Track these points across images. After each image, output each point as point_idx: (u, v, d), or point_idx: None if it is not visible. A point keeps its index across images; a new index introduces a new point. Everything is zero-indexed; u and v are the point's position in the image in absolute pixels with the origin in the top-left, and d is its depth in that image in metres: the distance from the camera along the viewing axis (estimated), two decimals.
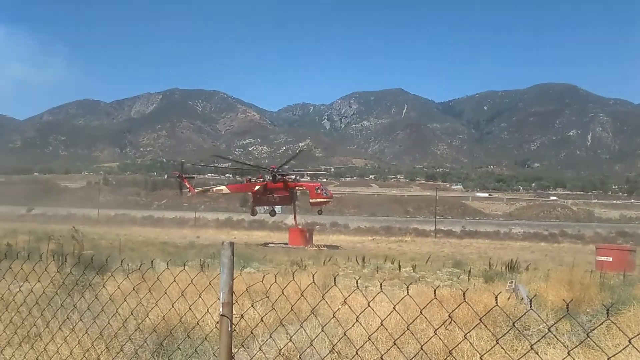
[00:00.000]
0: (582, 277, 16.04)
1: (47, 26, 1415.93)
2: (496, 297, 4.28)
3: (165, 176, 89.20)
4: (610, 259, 32.16)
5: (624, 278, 21.61)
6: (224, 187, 64.16)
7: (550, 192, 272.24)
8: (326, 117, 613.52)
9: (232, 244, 4.44)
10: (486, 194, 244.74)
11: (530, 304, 4.12)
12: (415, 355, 5.08)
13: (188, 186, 63.34)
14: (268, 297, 6.05)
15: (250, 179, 61.88)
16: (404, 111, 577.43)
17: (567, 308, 3.55)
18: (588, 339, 4.53)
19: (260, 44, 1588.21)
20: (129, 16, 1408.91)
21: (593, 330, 4.87)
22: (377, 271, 23.54)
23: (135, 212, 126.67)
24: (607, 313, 3.52)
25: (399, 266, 25.13)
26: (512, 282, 13.81)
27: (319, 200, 57.50)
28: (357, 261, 28.49)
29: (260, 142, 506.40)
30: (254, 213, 62.37)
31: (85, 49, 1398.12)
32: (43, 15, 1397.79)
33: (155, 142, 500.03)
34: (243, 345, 6.34)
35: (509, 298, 11.33)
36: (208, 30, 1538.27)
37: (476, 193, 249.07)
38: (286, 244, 55.46)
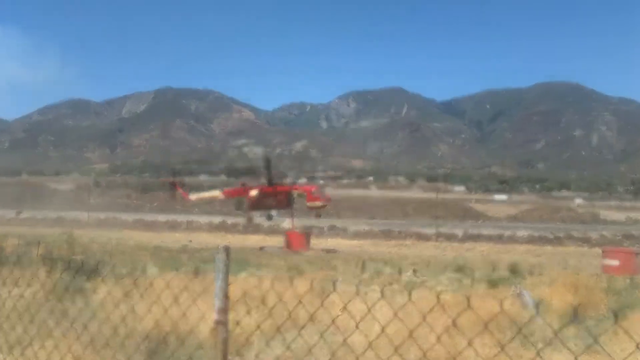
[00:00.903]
0: (588, 281, 15.89)
1: (36, 25, 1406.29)
2: (501, 302, 4.06)
3: (159, 177, 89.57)
4: (617, 263, 32.00)
5: (631, 281, 21.50)
6: (218, 192, 63.82)
7: (554, 193, 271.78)
8: (324, 117, 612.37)
9: (227, 248, 4.41)
10: (504, 197, 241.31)
11: (537, 309, 3.93)
12: None
13: (181, 192, 63.08)
14: (265, 303, 5.87)
15: (244, 183, 61.45)
16: (404, 110, 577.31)
17: (574, 313, 3.33)
18: (594, 344, 4.34)
19: (255, 42, 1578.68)
20: (119, 13, 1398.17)
21: (601, 335, 4.69)
22: (377, 276, 23.39)
23: (127, 215, 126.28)
24: (616, 318, 3.30)
25: (400, 271, 25.00)
26: (516, 287, 13.62)
27: (316, 203, 57.17)
28: (356, 266, 28.36)
29: (255, 142, 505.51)
30: (250, 220, 61.75)
31: (74, 47, 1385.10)
32: (32, 14, 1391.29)
33: (147, 143, 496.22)
34: (239, 354, 6.15)
35: (512, 304, 11.16)
36: (201, 27, 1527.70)
37: (495, 195, 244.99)
38: (282, 247, 55.16)
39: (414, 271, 25.17)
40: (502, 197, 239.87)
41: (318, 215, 60.37)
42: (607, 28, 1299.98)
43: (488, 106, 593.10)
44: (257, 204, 58.70)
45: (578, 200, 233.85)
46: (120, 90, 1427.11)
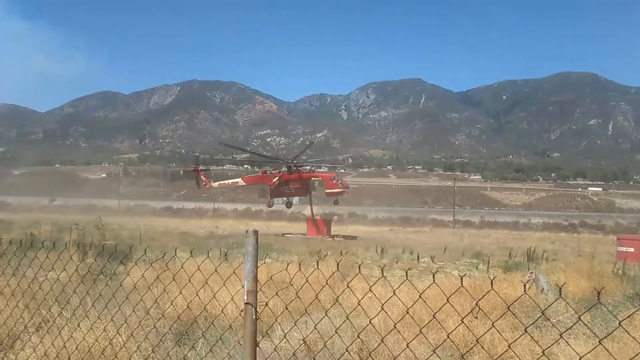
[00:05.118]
0: (603, 268, 15.91)
1: (67, 20, 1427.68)
2: (525, 284, 4.26)
3: (181, 172, 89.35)
4: (632, 250, 31.70)
5: None
6: (239, 180, 64.18)
7: (571, 182, 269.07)
8: (344, 108, 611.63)
9: (256, 232, 4.46)
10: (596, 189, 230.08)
11: (560, 292, 4.09)
12: (441, 344, 5.08)
13: (204, 179, 63.41)
14: (292, 284, 6.06)
15: (266, 171, 61.84)
16: (422, 101, 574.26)
17: (598, 297, 3.51)
18: (615, 328, 4.49)
19: (277, 35, 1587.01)
20: (147, 8, 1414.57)
21: (624, 320, 4.79)
22: (396, 261, 23.51)
23: (155, 203, 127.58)
24: None
25: (418, 257, 25.08)
26: (532, 272, 13.72)
27: (334, 190, 57.23)
28: (376, 251, 28.47)
29: (277, 132, 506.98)
30: (270, 205, 62.11)
31: (104, 41, 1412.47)
32: (63, 9, 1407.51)
33: (173, 134, 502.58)
34: (267, 334, 6.37)
35: (529, 288, 11.29)
36: (225, 21, 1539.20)
37: (588, 189, 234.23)
38: (304, 234, 55.40)
39: (432, 257, 25.28)
40: (595, 189, 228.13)
41: (336, 202, 60.46)
42: (624, 18, 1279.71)
43: (504, 97, 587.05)
44: (277, 191, 59.02)
45: (591, 189, 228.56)
46: (148, 83, 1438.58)
